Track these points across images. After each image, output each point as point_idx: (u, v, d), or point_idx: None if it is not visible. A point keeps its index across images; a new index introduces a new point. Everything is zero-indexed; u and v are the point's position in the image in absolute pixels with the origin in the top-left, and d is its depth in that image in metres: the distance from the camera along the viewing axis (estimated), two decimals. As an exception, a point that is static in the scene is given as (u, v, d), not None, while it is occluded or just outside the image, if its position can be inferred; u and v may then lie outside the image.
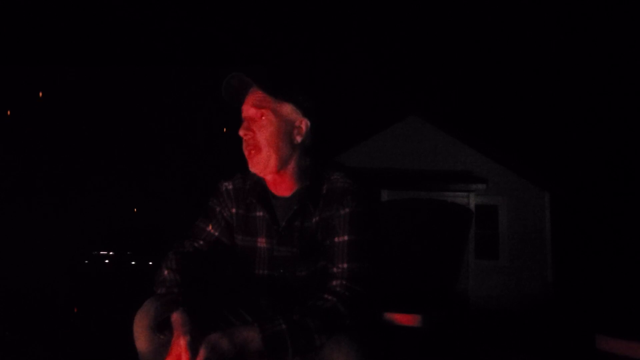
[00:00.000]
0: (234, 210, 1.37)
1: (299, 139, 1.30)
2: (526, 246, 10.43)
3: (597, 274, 11.23)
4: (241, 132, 1.27)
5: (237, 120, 1.37)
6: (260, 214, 1.34)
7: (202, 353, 1.06)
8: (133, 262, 9.30)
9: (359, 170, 1.41)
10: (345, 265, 1.21)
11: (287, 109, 1.29)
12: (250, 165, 1.29)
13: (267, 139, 1.26)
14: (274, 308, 1.33)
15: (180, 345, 1.09)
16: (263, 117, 1.27)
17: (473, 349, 4.69)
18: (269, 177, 1.31)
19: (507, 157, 10.73)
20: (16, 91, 11.44)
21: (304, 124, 1.31)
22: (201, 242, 1.37)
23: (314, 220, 1.28)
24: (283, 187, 1.32)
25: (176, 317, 1.15)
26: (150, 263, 9.06)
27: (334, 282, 1.20)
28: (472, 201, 10.11)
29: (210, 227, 1.38)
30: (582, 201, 12.87)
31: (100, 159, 11.22)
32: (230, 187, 1.38)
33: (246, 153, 1.28)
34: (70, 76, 11.71)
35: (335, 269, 1.22)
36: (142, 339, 1.22)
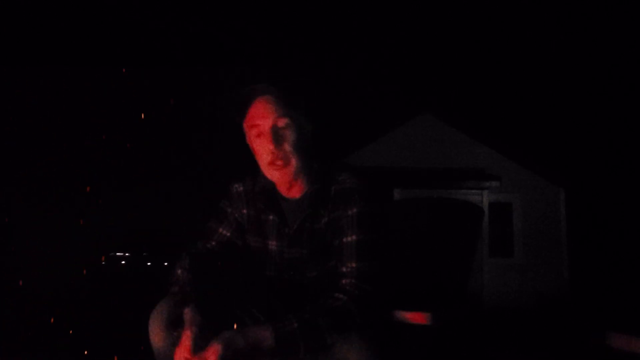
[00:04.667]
0: (244, 212, 1.39)
1: (308, 142, 1.34)
2: (541, 243, 10.32)
3: (614, 270, 11.07)
4: (271, 146, 1.26)
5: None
6: (270, 217, 1.36)
7: (217, 349, 1.07)
8: (149, 263, 9.40)
9: (367, 169, 1.43)
10: (354, 265, 1.23)
11: (300, 115, 1.31)
12: (277, 177, 1.29)
13: (294, 147, 1.28)
14: (285, 307, 1.35)
15: (187, 336, 1.12)
16: (287, 124, 1.28)
17: (486, 347, 4.67)
18: (283, 181, 1.32)
19: (521, 154, 10.62)
20: (30, 93, 11.61)
21: (311, 127, 1.35)
22: (213, 243, 1.39)
23: (323, 221, 1.31)
24: (294, 189, 1.34)
25: (187, 312, 1.19)
26: (166, 264, 9.15)
27: (344, 281, 1.22)
28: (486, 199, 10.04)
29: (221, 228, 1.40)
30: (598, 197, 12.70)
31: (115, 161, 11.34)
32: (241, 188, 1.41)
33: (271, 167, 1.28)
34: (76, 77, 11.85)
35: (344, 269, 1.24)
36: (157, 337, 1.25)
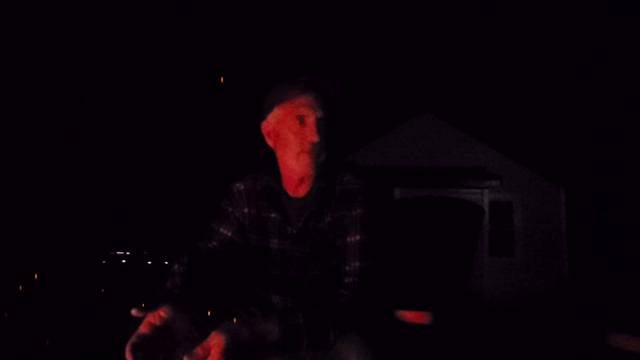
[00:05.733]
0: (246, 211, 1.39)
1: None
2: (542, 242, 10.32)
3: (614, 270, 11.07)
4: (315, 138, 1.28)
5: (246, 121, 1.40)
6: (272, 215, 1.36)
7: (221, 340, 1.03)
8: (149, 262, 9.41)
9: (370, 169, 1.44)
10: (357, 264, 1.23)
11: (334, 113, 1.35)
12: (306, 166, 1.29)
13: (325, 143, 1.31)
14: (285, 306, 1.35)
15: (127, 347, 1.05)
16: (327, 123, 1.32)
17: (487, 347, 4.67)
18: (295, 178, 1.32)
19: (522, 153, 10.62)
20: (30, 93, 11.61)
21: None
22: (214, 243, 1.39)
23: (326, 220, 1.31)
24: (301, 187, 1.34)
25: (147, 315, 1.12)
26: (167, 263, 9.16)
27: (347, 280, 1.23)
28: (486, 198, 10.04)
29: (222, 228, 1.40)
30: (598, 196, 12.70)
31: (116, 161, 11.34)
32: (242, 187, 1.41)
33: (305, 155, 1.29)
34: (78, 77, 11.85)
35: (347, 267, 1.24)
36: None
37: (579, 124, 15.78)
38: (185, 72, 12.08)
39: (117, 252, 9.55)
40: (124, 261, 9.47)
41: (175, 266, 1.30)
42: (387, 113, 11.50)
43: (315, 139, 1.27)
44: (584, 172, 11.89)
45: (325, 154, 1.31)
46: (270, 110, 1.34)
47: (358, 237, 1.26)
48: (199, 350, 1.01)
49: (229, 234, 1.39)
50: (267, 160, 1.40)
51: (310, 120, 1.29)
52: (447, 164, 10.50)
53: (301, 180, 1.33)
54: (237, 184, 1.42)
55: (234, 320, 1.09)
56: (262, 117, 1.37)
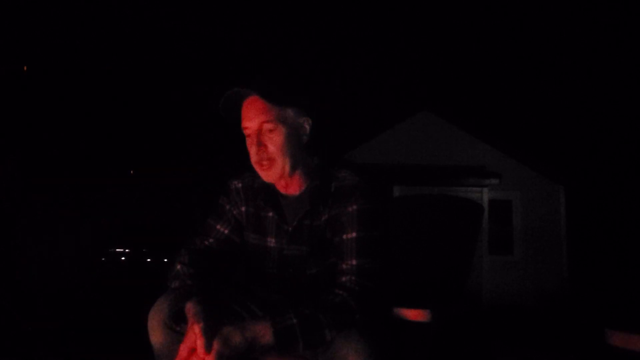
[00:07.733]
0: (243, 209, 1.39)
1: (305, 139, 1.31)
2: (541, 241, 10.33)
3: (613, 268, 11.08)
4: (253, 150, 1.25)
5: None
6: (269, 214, 1.35)
7: (215, 346, 1.05)
8: (148, 259, 9.41)
9: (368, 167, 1.42)
10: (354, 262, 1.22)
11: (291, 113, 1.27)
12: (264, 177, 1.28)
13: (280, 149, 1.25)
14: (284, 304, 1.35)
15: (195, 332, 1.08)
16: (271, 128, 1.24)
17: (486, 345, 4.67)
18: (271, 180, 1.31)
19: (521, 152, 10.62)
20: (33, 93, 11.61)
21: (307, 122, 1.31)
22: (211, 240, 1.39)
23: (323, 218, 1.30)
24: (292, 186, 1.33)
25: (190, 307, 1.14)
26: (165, 260, 9.17)
27: (344, 278, 1.22)
28: (486, 196, 10.03)
29: (220, 225, 1.40)
30: (597, 195, 12.69)
31: (116, 160, 11.34)
32: (240, 185, 1.40)
33: (258, 167, 1.27)
34: (78, 75, 11.85)
35: (344, 265, 1.23)
36: (156, 334, 1.24)
37: (579, 123, 15.78)
38: (185, 72, 12.08)
39: (117, 250, 9.56)
40: (123, 258, 9.47)
41: (179, 267, 1.29)
42: (386, 111, 11.50)
43: (254, 148, 1.25)
44: (583, 171, 11.90)
45: (284, 159, 1.26)
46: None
47: (354, 234, 1.24)
48: (193, 358, 1.04)
49: (226, 231, 1.39)
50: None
51: (249, 132, 1.26)
52: (447, 162, 10.49)
53: (284, 182, 1.32)
54: (235, 182, 1.41)
55: (226, 325, 1.10)
56: None
